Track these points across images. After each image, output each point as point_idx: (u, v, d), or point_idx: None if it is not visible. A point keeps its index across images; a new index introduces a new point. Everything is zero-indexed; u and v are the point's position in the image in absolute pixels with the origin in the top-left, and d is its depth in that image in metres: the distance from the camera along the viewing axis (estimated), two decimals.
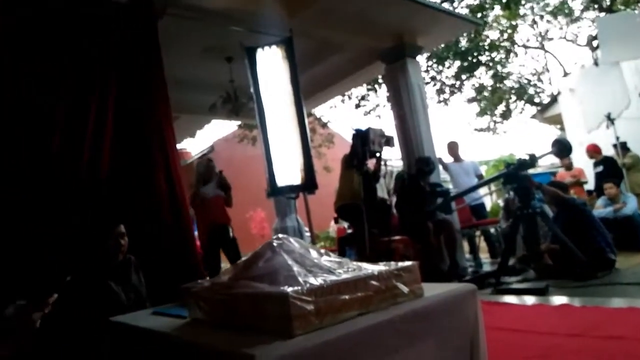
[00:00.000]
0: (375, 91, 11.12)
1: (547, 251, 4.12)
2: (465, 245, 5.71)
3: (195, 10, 3.88)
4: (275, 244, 1.08)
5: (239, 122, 10.22)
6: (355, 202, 4.11)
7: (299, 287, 0.84)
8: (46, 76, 2.82)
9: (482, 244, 5.90)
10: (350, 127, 4.16)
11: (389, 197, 5.20)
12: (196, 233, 4.23)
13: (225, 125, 12.48)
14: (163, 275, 2.79)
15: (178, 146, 4.60)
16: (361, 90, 10.97)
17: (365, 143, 3.89)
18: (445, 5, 10.19)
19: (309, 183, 4.04)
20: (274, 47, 4.07)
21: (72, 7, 3.04)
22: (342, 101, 11.31)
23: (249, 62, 4.10)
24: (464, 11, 10.50)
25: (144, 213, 3.05)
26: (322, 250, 1.14)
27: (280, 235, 1.14)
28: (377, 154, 4.12)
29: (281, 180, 4.19)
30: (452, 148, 5.99)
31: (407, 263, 1.03)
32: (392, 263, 1.04)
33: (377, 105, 11.40)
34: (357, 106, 11.46)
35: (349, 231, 6.71)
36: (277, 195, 4.56)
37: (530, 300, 3.21)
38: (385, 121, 11.51)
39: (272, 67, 4.09)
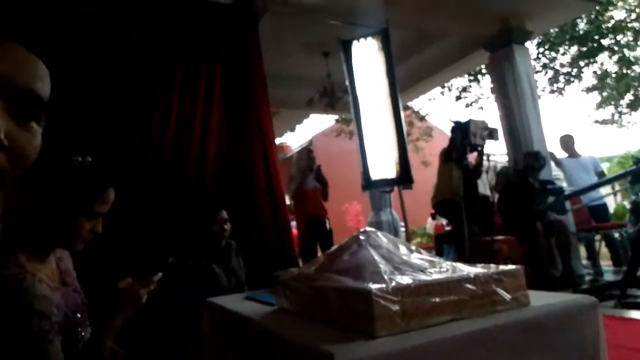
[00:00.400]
0: (478, 82, 10.45)
1: None
2: (583, 251, 5.11)
3: (294, 6, 3.96)
4: (361, 237, 1.02)
5: (336, 117, 10.32)
6: (454, 198, 3.90)
7: (384, 285, 0.78)
8: (157, 75, 3.08)
9: (604, 250, 5.21)
10: (450, 119, 3.91)
11: (491, 193, 4.83)
12: (294, 224, 4.38)
13: (324, 119, 12.70)
14: (260, 262, 2.92)
15: (278, 140, 4.76)
16: (462, 81, 10.38)
17: (465, 136, 3.66)
18: None
19: (404, 177, 3.91)
20: (369, 39, 4.00)
21: (180, 7, 3.29)
22: (442, 93, 10.81)
23: (344, 55, 4.08)
24: None
25: (244, 202, 3.21)
26: (413, 247, 1.06)
27: (367, 229, 1.09)
28: (479, 148, 3.84)
29: (375, 174, 4.11)
30: (566, 142, 5.39)
31: (511, 266, 0.91)
32: (493, 266, 0.92)
33: (480, 97, 10.70)
34: (458, 98, 10.88)
35: (447, 228, 6.42)
36: (372, 188, 4.50)
37: None
38: (488, 114, 10.76)
39: (367, 59, 4.02)
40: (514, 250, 3.92)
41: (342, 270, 0.93)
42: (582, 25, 9.45)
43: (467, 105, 10.81)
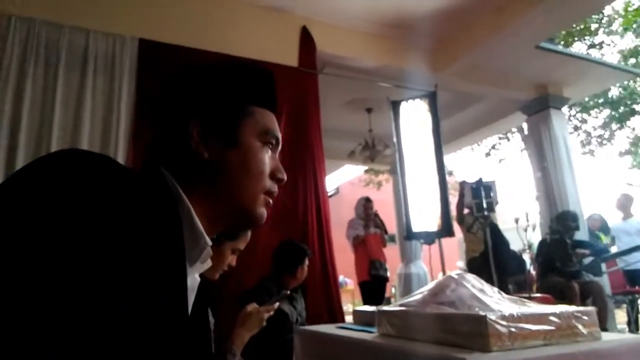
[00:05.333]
0: (508, 140, 10.75)
1: None
2: (623, 315, 5.09)
3: (348, 69, 4.39)
4: (457, 277, 1.27)
5: (365, 168, 10.64)
6: (482, 256, 4.13)
7: (494, 313, 1.02)
8: None
9: None
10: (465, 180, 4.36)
11: (528, 250, 4.98)
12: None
13: (351, 170, 13.03)
14: (308, 302, 3.13)
15: None
16: (492, 138, 10.70)
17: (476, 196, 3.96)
18: (593, 51, 9.58)
19: (446, 229, 4.12)
20: (417, 100, 4.35)
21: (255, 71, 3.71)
22: (472, 149, 11.12)
23: (393, 114, 4.43)
24: (615, 57, 9.73)
25: None
26: (496, 289, 1.30)
27: (458, 271, 1.33)
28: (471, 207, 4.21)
29: (417, 226, 4.34)
30: (623, 202, 5.37)
31: (587, 307, 1.13)
32: (573, 307, 1.15)
33: (503, 158, 11.03)
34: (487, 155, 11.16)
35: None
36: (413, 239, 4.71)
37: None
38: (516, 171, 10.97)
39: (415, 118, 4.36)
40: None
41: (447, 303, 1.17)
42: (614, 90, 9.74)
43: (500, 161, 11.05)
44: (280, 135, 0.69)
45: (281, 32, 3.97)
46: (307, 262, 2.57)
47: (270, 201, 0.66)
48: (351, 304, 9.43)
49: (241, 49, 3.43)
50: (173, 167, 0.59)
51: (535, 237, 5.14)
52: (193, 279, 0.61)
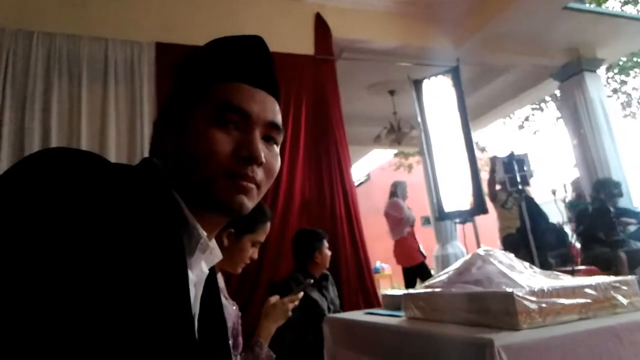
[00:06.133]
0: (542, 110, 10.31)
1: None
2: None
3: (367, 52, 4.30)
4: (483, 254, 1.21)
5: (395, 151, 10.50)
6: (519, 232, 3.98)
7: (522, 288, 0.96)
8: None
9: None
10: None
11: (569, 223, 4.78)
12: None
13: (381, 154, 12.90)
14: (343, 293, 3.12)
15: None
16: (525, 110, 10.30)
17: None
18: (627, 8, 9.02)
19: (479, 207, 4.00)
20: (440, 76, 4.22)
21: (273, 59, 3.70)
22: (504, 122, 10.76)
23: (415, 93, 4.32)
24: None
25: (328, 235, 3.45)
26: (527, 264, 1.23)
27: (485, 248, 1.27)
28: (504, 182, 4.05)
29: (449, 206, 4.23)
30: None
31: (627, 277, 1.06)
32: (611, 277, 1.07)
33: (537, 130, 10.59)
34: (521, 127, 10.77)
35: None
36: (446, 219, 4.61)
37: None
38: (552, 142, 10.56)
39: (439, 96, 4.23)
40: None
41: (473, 281, 1.12)
42: None
43: (534, 133, 10.68)
44: (250, 108, 0.57)
45: (295, 21, 3.93)
46: (325, 245, 2.51)
47: (247, 184, 0.56)
48: (391, 289, 9.40)
49: None
50: (162, 160, 0.58)
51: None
52: (199, 272, 0.60)
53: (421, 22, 4.31)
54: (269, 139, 0.61)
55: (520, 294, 0.94)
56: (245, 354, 1.36)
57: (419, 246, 4.75)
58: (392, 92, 5.78)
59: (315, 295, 2.46)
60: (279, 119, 0.61)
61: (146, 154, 0.63)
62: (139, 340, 0.42)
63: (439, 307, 1.17)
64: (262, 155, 0.57)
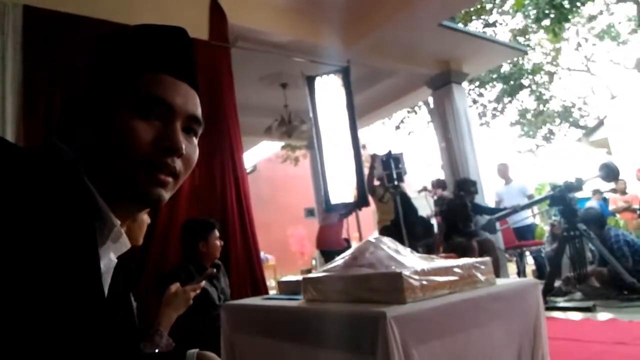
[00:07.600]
0: (416, 113, 11.43)
1: (594, 274, 4.19)
2: (514, 267, 5.82)
3: (261, 43, 4.32)
4: (374, 241, 1.37)
5: (282, 144, 10.67)
6: (394, 223, 4.44)
7: (408, 269, 1.13)
8: None
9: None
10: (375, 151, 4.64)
11: (434, 216, 5.42)
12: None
13: (267, 146, 12.99)
14: (233, 282, 3.14)
15: None
16: (401, 113, 11.31)
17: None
18: (488, 30, 10.39)
19: (362, 200, 4.33)
20: (332, 75, 4.44)
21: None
22: (383, 123, 11.66)
23: (308, 89, 4.48)
24: (507, 35, 10.67)
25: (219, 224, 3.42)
26: (408, 249, 1.43)
27: (375, 236, 1.44)
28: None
29: (335, 198, 4.50)
30: (502, 170, 6.16)
31: (483, 259, 1.30)
32: (473, 259, 1.31)
33: (411, 131, 11.80)
34: (397, 128, 11.81)
35: None
36: (332, 211, 4.87)
37: (577, 316, 3.33)
38: (424, 143, 11.83)
39: (329, 93, 4.45)
40: None
41: (367, 265, 1.26)
42: (505, 66, 10.74)
43: (409, 133, 11.75)
44: (173, 101, 0.59)
45: (189, 2, 3.78)
46: (215, 235, 2.47)
47: (165, 178, 0.57)
48: (273, 279, 9.55)
49: (143, 19, 3.18)
50: (72, 147, 0.56)
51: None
52: (108, 261, 0.59)
53: (316, 21, 4.46)
54: (189, 131, 0.62)
55: (407, 273, 1.10)
56: (144, 343, 1.34)
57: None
58: (284, 85, 5.88)
59: (205, 284, 2.45)
60: (199, 111, 0.63)
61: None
62: (52, 334, 0.42)
63: (336, 288, 1.29)
64: (183, 146, 0.58)
